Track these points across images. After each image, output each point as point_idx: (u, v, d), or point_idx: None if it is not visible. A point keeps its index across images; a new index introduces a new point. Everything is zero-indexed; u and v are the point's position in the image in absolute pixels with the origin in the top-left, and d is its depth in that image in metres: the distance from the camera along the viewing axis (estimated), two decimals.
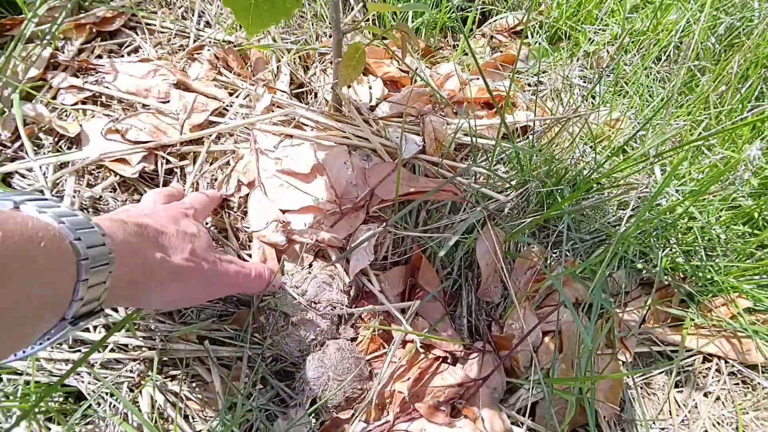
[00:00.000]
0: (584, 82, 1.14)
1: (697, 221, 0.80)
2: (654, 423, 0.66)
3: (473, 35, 1.32)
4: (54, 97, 0.74)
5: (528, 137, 0.92)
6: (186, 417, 0.54)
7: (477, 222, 0.67)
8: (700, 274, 0.76)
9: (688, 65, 1.02)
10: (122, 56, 0.85)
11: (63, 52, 0.81)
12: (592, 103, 1.10)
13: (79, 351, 0.54)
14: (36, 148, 0.70)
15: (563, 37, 1.25)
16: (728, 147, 0.86)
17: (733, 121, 0.90)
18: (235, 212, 0.66)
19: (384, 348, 0.63)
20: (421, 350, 0.61)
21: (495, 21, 1.30)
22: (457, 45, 1.27)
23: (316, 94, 0.93)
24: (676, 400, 0.69)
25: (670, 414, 0.66)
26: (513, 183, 0.75)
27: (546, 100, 1.07)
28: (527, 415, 0.61)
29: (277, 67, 0.93)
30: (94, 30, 0.85)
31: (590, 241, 0.77)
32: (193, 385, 0.56)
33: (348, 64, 0.70)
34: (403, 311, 0.63)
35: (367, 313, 0.63)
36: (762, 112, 0.84)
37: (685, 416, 0.66)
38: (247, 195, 0.67)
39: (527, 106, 1.04)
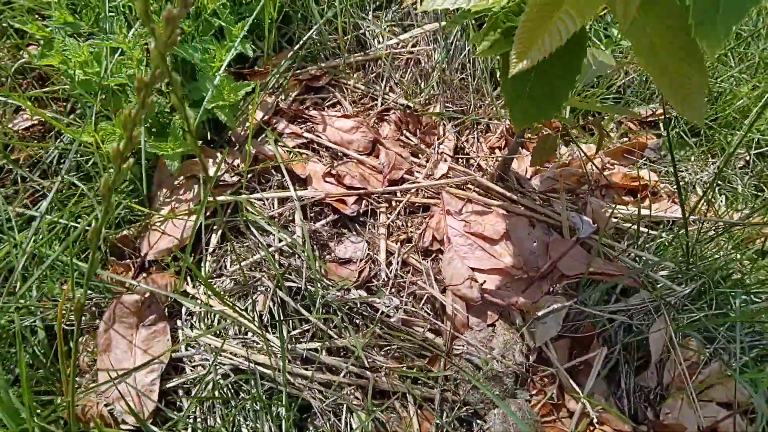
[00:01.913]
0: (722, 181, 1.14)
1: None
2: None
3: (605, 120, 1.36)
4: (276, 140, 0.86)
5: (674, 228, 0.93)
6: None
7: (652, 308, 0.69)
8: None
9: None
10: (324, 109, 0.97)
11: (283, 102, 0.94)
12: (730, 202, 1.10)
13: (313, 368, 0.61)
14: (264, 182, 0.81)
15: (700, 134, 1.27)
16: None
17: None
18: (429, 262, 0.72)
19: (554, 414, 0.65)
20: (592, 424, 0.63)
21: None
22: (587, 128, 1.32)
23: (468, 160, 1.00)
24: None
25: None
26: (675, 274, 0.77)
27: (684, 194, 1.09)
28: None
29: (443, 132, 1.02)
30: (305, 85, 0.98)
31: (749, 342, 0.77)
32: (392, 416, 0.60)
33: (542, 148, 0.76)
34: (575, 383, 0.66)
35: (541, 379, 0.66)
36: None
37: None
38: (439, 250, 0.74)
39: (669, 197, 1.06)
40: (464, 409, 0.62)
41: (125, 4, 0.74)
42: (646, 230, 0.86)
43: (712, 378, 0.75)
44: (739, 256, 0.87)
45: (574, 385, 0.63)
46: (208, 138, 0.81)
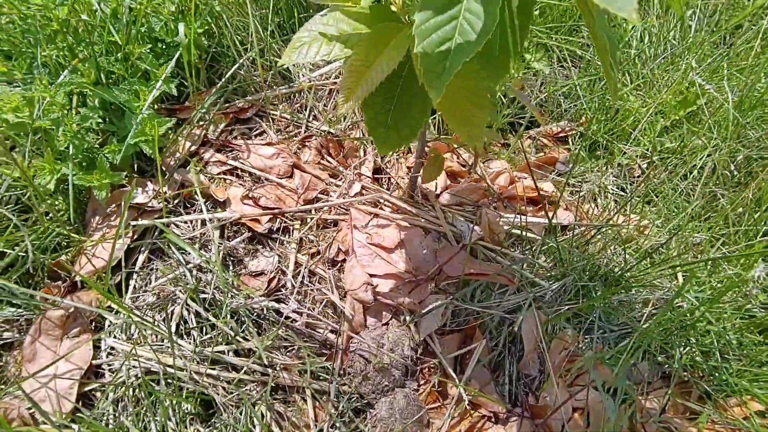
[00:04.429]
0: (618, 189, 1.27)
1: (713, 326, 0.88)
2: None
3: (521, 137, 1.49)
4: (203, 168, 0.94)
5: (567, 233, 1.04)
6: None
7: (524, 304, 0.79)
8: (716, 375, 0.84)
9: (710, 188, 1.15)
10: (250, 138, 1.06)
11: (211, 133, 1.02)
12: (625, 210, 1.22)
13: (218, 368, 0.68)
14: (189, 206, 0.88)
15: (600, 147, 1.40)
16: (742, 265, 0.95)
17: (744, 246, 1.00)
18: (333, 271, 0.80)
19: (439, 401, 0.73)
20: (469, 407, 0.71)
21: (541, 128, 1.47)
22: (508, 144, 1.44)
23: (389, 179, 1.10)
24: None
25: None
26: (554, 273, 0.87)
27: (583, 202, 1.21)
28: None
29: (364, 154, 1.11)
30: (233, 117, 1.07)
31: (618, 331, 0.87)
32: (291, 409, 0.68)
33: (431, 167, 0.86)
34: (456, 371, 0.74)
35: (428, 370, 0.74)
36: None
37: None
38: (344, 260, 0.82)
39: (566, 206, 1.18)
40: (358, 400, 0.70)
41: (55, 54, 0.82)
42: (533, 235, 0.96)
43: (588, 364, 0.84)
44: (608, 253, 0.98)
45: (452, 373, 0.72)
46: (135, 168, 0.89)
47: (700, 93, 1.27)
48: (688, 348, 0.90)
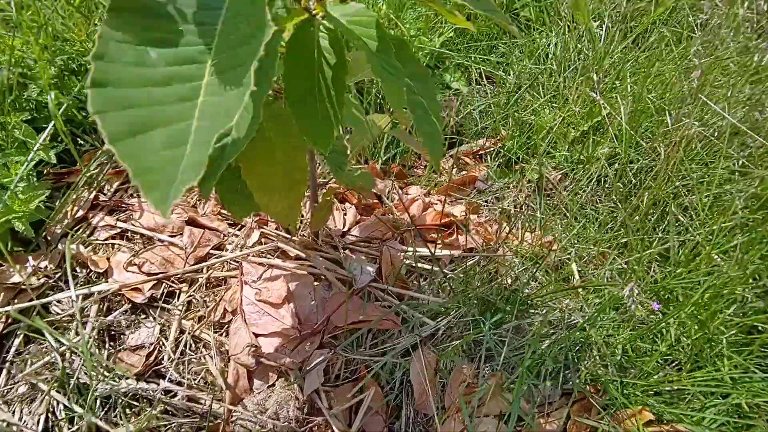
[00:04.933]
0: (533, 204, 1.29)
1: (611, 338, 0.90)
2: None
3: (444, 157, 1.50)
4: (91, 234, 0.91)
5: (471, 259, 1.05)
6: None
7: (412, 345, 0.78)
8: (610, 388, 0.85)
9: (611, 198, 1.18)
10: None
11: (104, 194, 0.98)
12: (529, 227, 1.23)
13: None
14: (73, 279, 0.85)
15: (516, 162, 1.42)
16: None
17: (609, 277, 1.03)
18: (216, 335, 0.78)
19: None
20: None
21: (461, 147, 1.48)
22: (426, 166, 1.45)
23: (301, 220, 1.09)
24: None
25: None
26: (449, 306, 0.87)
27: (493, 223, 1.22)
28: None
29: None
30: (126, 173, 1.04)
31: (512, 357, 0.87)
32: None
33: (318, 213, 0.85)
34: (351, 423, 0.73)
35: (317, 427, 0.73)
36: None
37: None
38: (230, 321, 0.80)
39: (476, 230, 1.18)
40: None
41: None
42: (430, 267, 0.96)
43: (486, 395, 0.84)
44: (512, 275, 0.99)
45: (336, 429, 0.71)
46: (9, 246, 0.85)
47: (603, 105, 1.30)
48: (590, 363, 0.91)
